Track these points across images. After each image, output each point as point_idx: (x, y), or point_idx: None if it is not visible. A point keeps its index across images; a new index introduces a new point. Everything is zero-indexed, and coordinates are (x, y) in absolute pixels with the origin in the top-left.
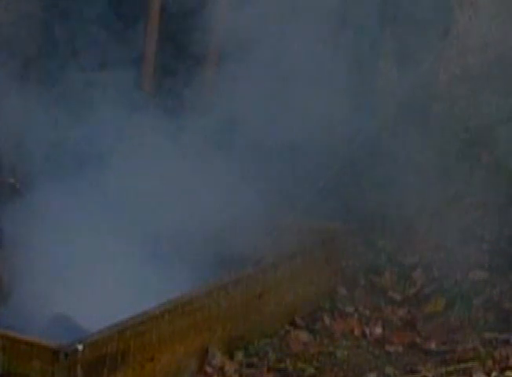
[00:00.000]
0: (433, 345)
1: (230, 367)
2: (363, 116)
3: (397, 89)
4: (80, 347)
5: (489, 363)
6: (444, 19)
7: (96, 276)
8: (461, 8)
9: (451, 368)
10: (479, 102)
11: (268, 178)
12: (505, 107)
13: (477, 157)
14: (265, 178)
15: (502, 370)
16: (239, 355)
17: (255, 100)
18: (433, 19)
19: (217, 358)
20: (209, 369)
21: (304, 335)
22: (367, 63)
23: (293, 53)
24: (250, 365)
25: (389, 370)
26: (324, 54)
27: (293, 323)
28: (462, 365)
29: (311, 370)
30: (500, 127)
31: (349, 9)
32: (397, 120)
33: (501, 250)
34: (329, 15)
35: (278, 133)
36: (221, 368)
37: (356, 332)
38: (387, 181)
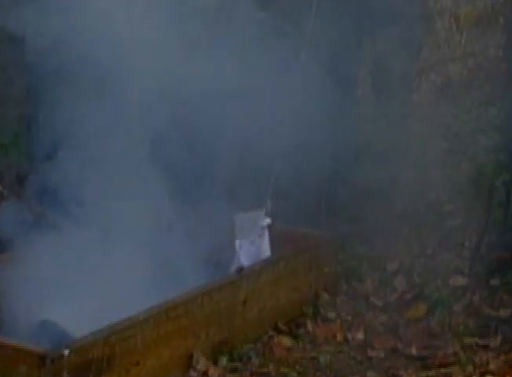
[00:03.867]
0: (414, 351)
1: (214, 372)
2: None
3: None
4: (66, 352)
5: (469, 368)
6: (420, 31)
7: (83, 282)
8: (441, 18)
9: (432, 373)
10: (459, 110)
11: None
12: (484, 116)
13: (458, 164)
14: (245, 186)
15: (482, 374)
16: (223, 360)
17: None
18: (410, 33)
19: (202, 363)
20: (193, 374)
21: (287, 341)
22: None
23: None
24: (233, 370)
25: (371, 375)
26: (299, 79)
27: (276, 329)
28: (443, 370)
29: (294, 375)
30: (480, 135)
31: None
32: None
33: (481, 257)
34: (303, 38)
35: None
36: (205, 373)
37: (339, 337)
38: (367, 190)
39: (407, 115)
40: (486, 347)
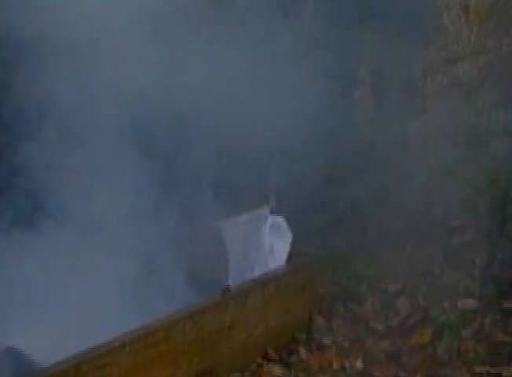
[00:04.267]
0: None
1: None
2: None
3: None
4: None
5: None
6: (424, 26)
7: (52, 303)
8: (449, 11)
9: None
10: (468, 114)
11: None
12: (497, 120)
13: (467, 174)
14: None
15: None
16: None
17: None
18: (414, 29)
19: None
20: None
21: (278, 369)
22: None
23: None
24: None
25: None
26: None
27: (266, 356)
28: None
29: None
30: (493, 141)
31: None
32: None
33: (492, 276)
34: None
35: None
36: None
37: (335, 366)
38: (366, 202)
39: (411, 119)
40: (498, 376)
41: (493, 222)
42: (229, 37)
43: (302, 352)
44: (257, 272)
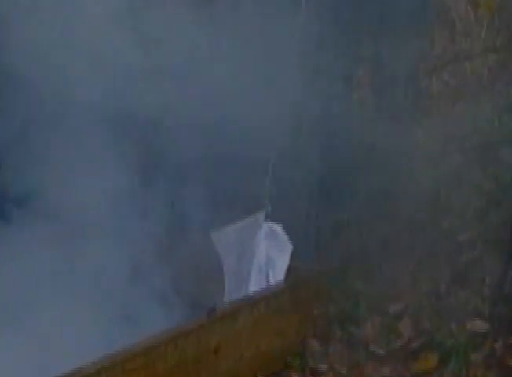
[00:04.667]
0: None
1: None
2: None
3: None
4: None
5: None
6: (430, 22)
7: (22, 326)
8: (456, 5)
9: None
10: (478, 118)
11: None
12: (508, 125)
13: (477, 184)
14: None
15: None
16: None
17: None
18: (418, 24)
19: None
20: None
21: None
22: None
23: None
24: None
25: None
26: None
27: None
28: None
29: None
30: (504, 148)
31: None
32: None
33: (504, 296)
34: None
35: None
36: None
37: None
38: (366, 214)
39: (414, 123)
40: None
41: (505, 236)
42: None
43: None
44: (254, 285)
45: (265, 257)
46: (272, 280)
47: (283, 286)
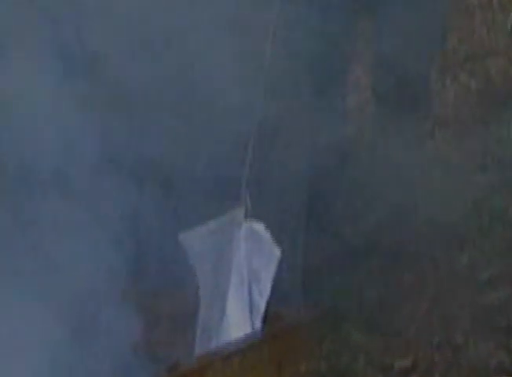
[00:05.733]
0: None
1: None
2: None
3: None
4: None
5: None
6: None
7: None
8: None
9: None
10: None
11: None
12: None
13: (500, 210)
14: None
15: None
16: None
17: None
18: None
19: None
20: None
21: None
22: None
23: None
24: None
25: None
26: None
27: None
28: None
29: None
30: None
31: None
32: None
33: None
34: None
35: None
36: None
37: None
38: (365, 245)
39: (425, 134)
40: None
41: None
42: None
43: None
44: (235, 304)
45: (246, 266)
46: (256, 296)
47: (262, 337)
